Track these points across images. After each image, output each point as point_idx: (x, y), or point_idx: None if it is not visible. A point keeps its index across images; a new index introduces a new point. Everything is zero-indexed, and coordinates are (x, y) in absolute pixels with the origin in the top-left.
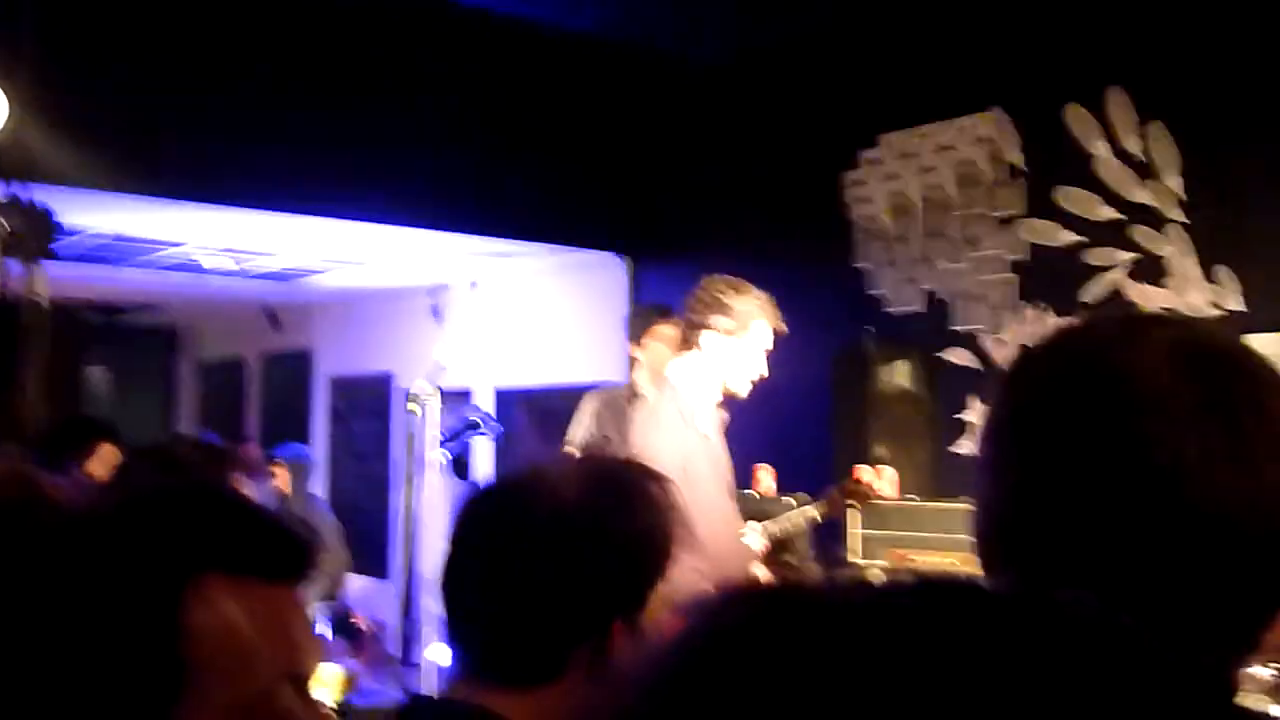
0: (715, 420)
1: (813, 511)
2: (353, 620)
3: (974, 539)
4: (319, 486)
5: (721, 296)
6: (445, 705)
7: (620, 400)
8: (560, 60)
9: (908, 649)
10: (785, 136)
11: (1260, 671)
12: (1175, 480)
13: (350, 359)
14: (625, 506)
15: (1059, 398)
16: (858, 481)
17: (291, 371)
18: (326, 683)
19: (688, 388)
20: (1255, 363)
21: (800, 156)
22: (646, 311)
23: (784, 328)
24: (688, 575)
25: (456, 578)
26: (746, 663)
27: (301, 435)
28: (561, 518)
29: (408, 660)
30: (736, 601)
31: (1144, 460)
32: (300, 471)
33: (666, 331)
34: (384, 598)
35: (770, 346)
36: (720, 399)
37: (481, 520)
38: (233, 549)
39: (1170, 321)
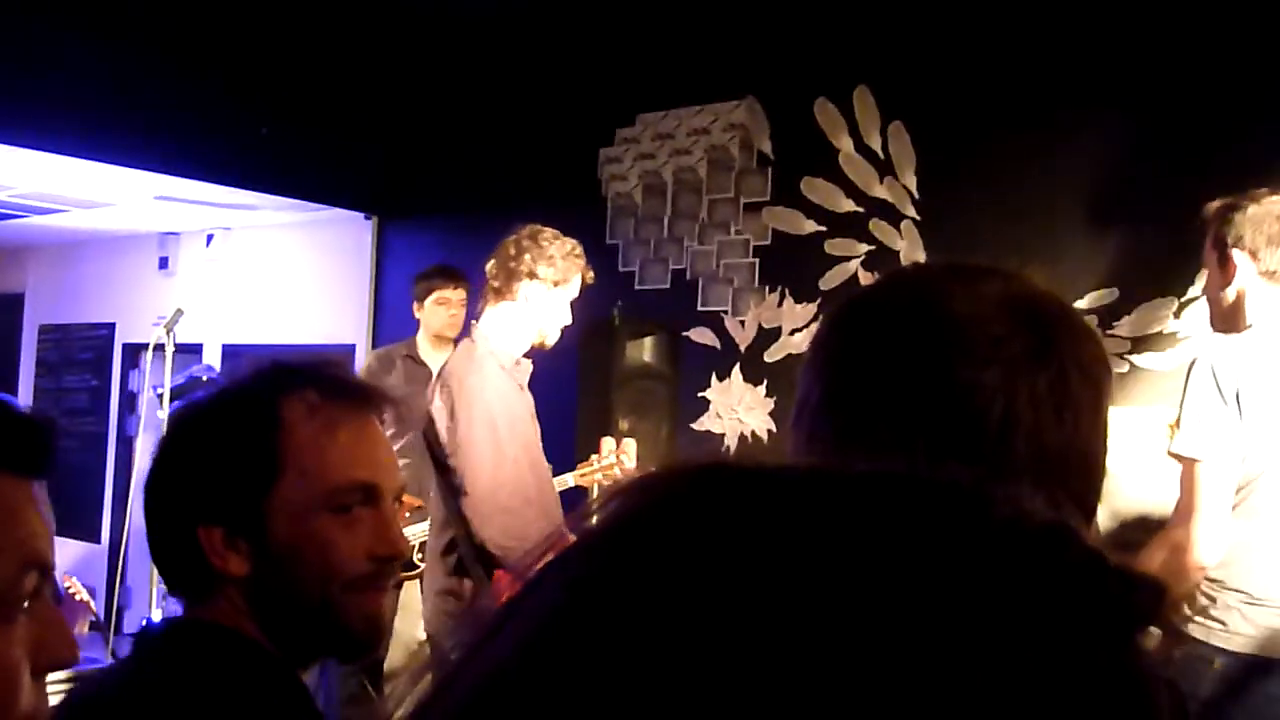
0: (525, 372)
1: (570, 480)
2: (68, 587)
3: None
4: None
5: (548, 246)
6: (168, 621)
7: (393, 358)
8: (314, 9)
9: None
10: (544, 106)
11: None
12: (1005, 430)
13: (66, 307)
14: (221, 405)
15: (891, 343)
16: (612, 460)
17: None
18: None
19: (503, 338)
20: (1072, 314)
21: (558, 128)
22: (429, 273)
23: (592, 277)
24: (510, 517)
25: None
26: (690, 532)
27: (5, 385)
28: (173, 428)
29: (119, 627)
30: (673, 476)
31: (975, 408)
32: None
33: (448, 294)
34: (94, 563)
35: (577, 296)
36: (528, 350)
37: None
38: None
39: (999, 272)
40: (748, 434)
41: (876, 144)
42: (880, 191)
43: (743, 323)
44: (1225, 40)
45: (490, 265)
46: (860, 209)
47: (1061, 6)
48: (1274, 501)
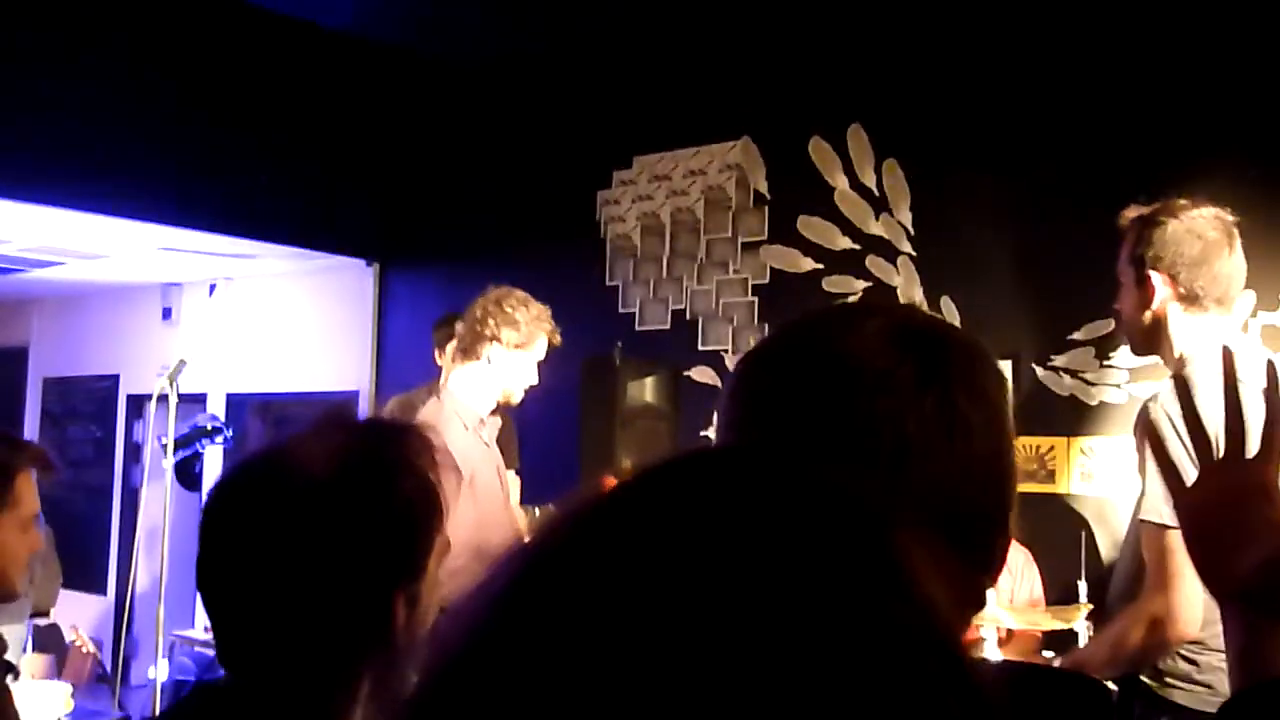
0: (492, 429)
1: None
2: (74, 639)
3: None
4: None
5: (513, 311)
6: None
7: (415, 404)
8: (313, 59)
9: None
10: (542, 151)
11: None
12: (899, 455)
13: (70, 359)
14: (384, 473)
15: (788, 387)
16: None
17: (1, 370)
18: (54, 699)
19: (469, 396)
20: (963, 340)
21: (556, 171)
22: (450, 319)
23: (559, 340)
24: (460, 578)
25: (211, 568)
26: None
27: None
28: (316, 492)
29: (125, 680)
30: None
31: (870, 439)
32: None
33: None
34: (100, 614)
35: (542, 358)
36: (494, 407)
37: (231, 502)
38: None
39: (882, 308)
40: None
41: (871, 181)
42: (876, 228)
43: None
44: (1221, 63)
45: (459, 326)
46: (857, 246)
47: (1051, 38)
48: None
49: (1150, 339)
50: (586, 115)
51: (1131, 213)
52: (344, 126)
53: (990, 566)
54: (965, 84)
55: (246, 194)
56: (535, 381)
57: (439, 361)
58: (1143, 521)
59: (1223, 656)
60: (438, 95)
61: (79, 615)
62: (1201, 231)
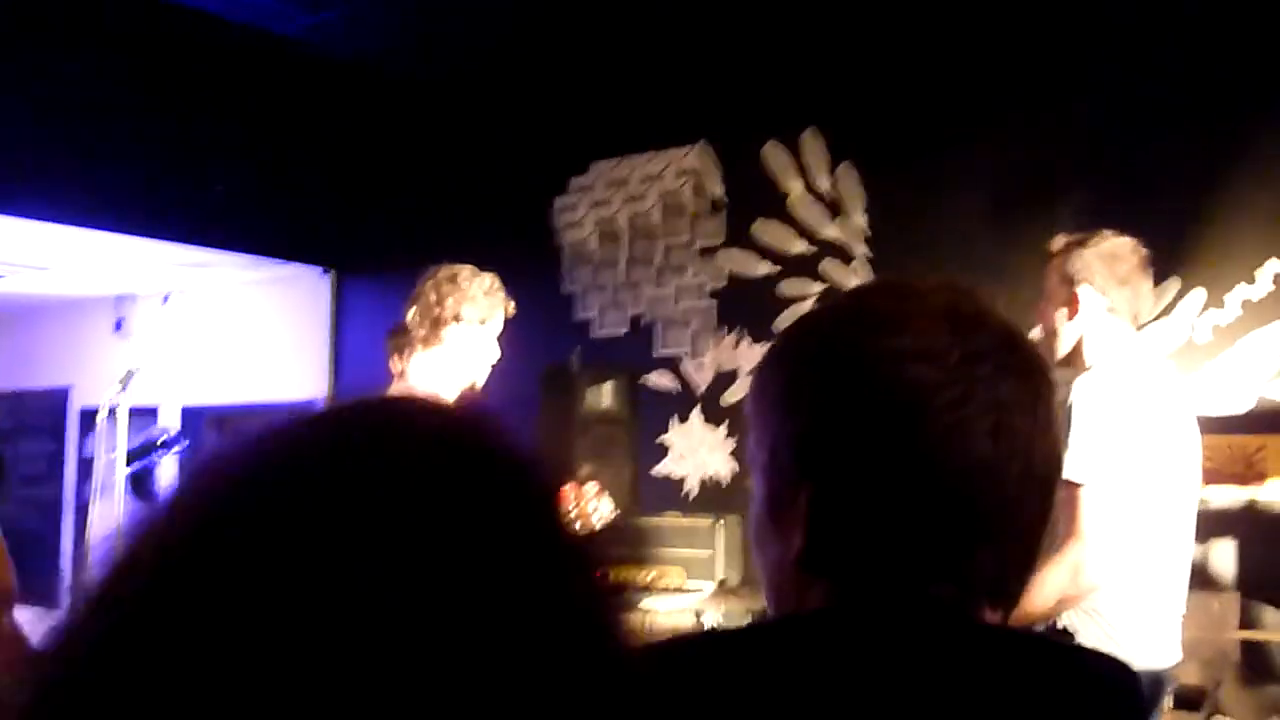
0: None
1: None
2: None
3: (759, 505)
4: None
5: (468, 287)
6: None
7: None
8: (268, 67)
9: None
10: (498, 158)
11: None
12: (945, 428)
13: (19, 372)
14: None
15: (840, 354)
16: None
17: None
18: None
19: (434, 385)
20: (1007, 323)
21: (512, 178)
22: (403, 325)
23: (513, 309)
24: None
25: None
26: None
27: None
28: None
29: None
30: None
31: (919, 405)
32: None
33: None
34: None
35: (500, 330)
36: (459, 394)
37: None
38: None
39: (935, 287)
40: (709, 476)
41: (826, 185)
42: (832, 231)
43: (701, 364)
44: (1188, 67)
45: (412, 315)
46: (812, 249)
47: (1009, 42)
48: (1145, 521)
49: (1074, 350)
50: (541, 122)
51: (1059, 241)
52: (298, 134)
53: (1026, 575)
54: (920, 86)
55: (199, 203)
56: (497, 357)
57: (393, 369)
58: (1064, 481)
59: (1120, 608)
60: (392, 103)
61: (31, 630)
62: (1124, 255)
